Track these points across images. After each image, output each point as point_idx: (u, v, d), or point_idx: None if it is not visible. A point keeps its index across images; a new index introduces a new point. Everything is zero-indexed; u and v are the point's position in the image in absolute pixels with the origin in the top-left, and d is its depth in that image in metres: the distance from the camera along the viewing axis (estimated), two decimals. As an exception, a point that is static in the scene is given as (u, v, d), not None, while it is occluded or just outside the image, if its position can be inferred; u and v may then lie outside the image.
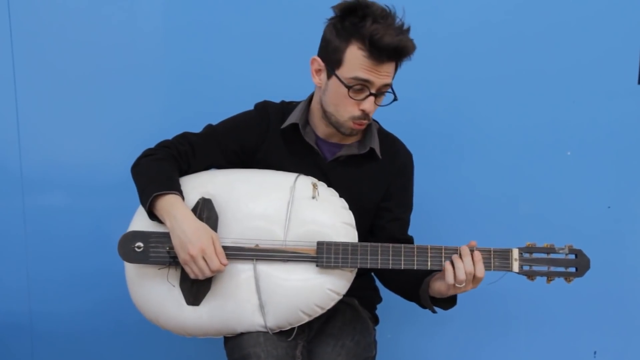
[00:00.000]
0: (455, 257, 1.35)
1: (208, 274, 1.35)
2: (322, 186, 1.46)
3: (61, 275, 2.00)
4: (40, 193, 1.98)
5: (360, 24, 1.34)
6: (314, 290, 1.38)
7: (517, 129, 1.94)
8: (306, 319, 1.40)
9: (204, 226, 1.36)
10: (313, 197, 1.41)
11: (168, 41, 1.93)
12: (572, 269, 1.39)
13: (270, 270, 1.39)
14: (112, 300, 1.98)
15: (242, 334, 1.40)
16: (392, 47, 1.34)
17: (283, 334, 1.41)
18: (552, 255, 1.38)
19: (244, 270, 1.39)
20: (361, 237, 1.44)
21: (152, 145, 1.53)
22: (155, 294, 1.43)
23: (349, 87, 1.38)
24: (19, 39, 1.90)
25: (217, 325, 1.41)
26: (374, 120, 1.59)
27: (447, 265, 1.35)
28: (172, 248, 1.37)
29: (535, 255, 1.37)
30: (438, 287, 1.39)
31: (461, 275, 1.32)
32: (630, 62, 1.91)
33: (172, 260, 1.39)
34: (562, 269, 1.38)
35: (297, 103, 1.55)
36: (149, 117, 1.94)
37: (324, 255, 1.37)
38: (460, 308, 2.00)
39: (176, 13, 1.91)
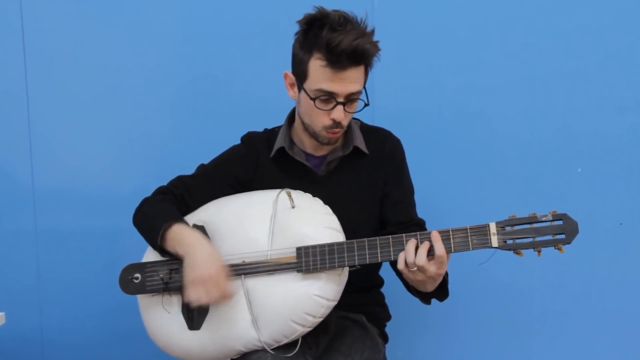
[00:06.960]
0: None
1: (204, 302, 1.35)
2: (302, 195, 1.46)
3: (73, 297, 2.02)
4: (53, 213, 1.99)
5: (319, 34, 1.35)
6: (300, 298, 1.36)
7: (527, 146, 1.94)
8: (301, 330, 1.37)
9: (216, 255, 1.37)
10: (292, 207, 1.41)
11: (183, 58, 1.96)
12: (561, 236, 1.28)
13: (259, 284, 1.39)
14: (125, 322, 1.97)
15: (249, 353, 1.40)
16: (348, 53, 1.33)
17: (287, 349, 1.39)
18: (536, 225, 1.29)
19: (235, 287, 1.39)
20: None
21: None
22: (161, 323, 1.46)
23: (313, 99, 1.39)
24: (32, 54, 1.94)
25: (219, 347, 1.42)
26: (355, 119, 1.58)
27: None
28: (165, 275, 1.41)
29: (518, 228, 1.29)
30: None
31: (409, 258, 1.28)
32: (641, 77, 1.92)
33: (165, 287, 1.42)
34: (549, 237, 1.28)
35: (280, 127, 1.58)
36: (164, 137, 1.97)
37: (303, 259, 1.36)
38: (473, 325, 2.01)
39: (189, 31, 1.95)
